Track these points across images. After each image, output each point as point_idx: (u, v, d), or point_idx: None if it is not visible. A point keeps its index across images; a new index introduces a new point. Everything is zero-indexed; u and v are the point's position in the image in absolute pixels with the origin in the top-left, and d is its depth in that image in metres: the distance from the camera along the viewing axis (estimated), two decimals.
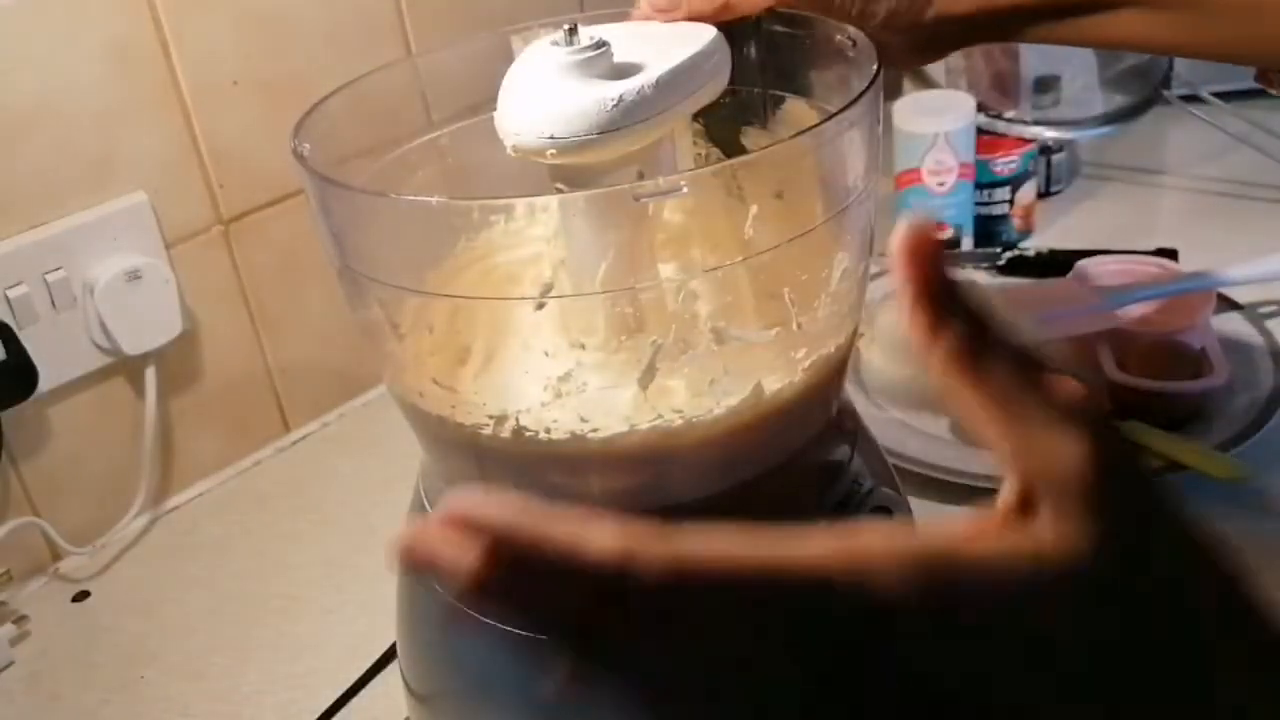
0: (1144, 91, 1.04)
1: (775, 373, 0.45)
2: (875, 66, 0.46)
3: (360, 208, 0.46)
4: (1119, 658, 0.29)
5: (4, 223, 0.71)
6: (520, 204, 0.51)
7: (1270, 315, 0.83)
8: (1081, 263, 0.84)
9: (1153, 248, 0.91)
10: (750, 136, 0.56)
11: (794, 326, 0.45)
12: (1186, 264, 0.87)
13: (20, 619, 0.73)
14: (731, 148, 0.55)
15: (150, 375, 0.78)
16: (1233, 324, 0.82)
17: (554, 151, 0.44)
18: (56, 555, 0.78)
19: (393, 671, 0.64)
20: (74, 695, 0.67)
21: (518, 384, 0.46)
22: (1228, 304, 0.83)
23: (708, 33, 0.48)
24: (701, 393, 0.44)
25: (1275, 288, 0.84)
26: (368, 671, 0.65)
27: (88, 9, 0.71)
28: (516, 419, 0.44)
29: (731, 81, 0.50)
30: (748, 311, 0.46)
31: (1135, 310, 0.79)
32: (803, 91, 0.55)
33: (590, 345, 0.46)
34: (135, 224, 0.76)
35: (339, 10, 0.83)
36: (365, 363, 0.90)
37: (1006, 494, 0.30)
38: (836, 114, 0.43)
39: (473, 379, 0.47)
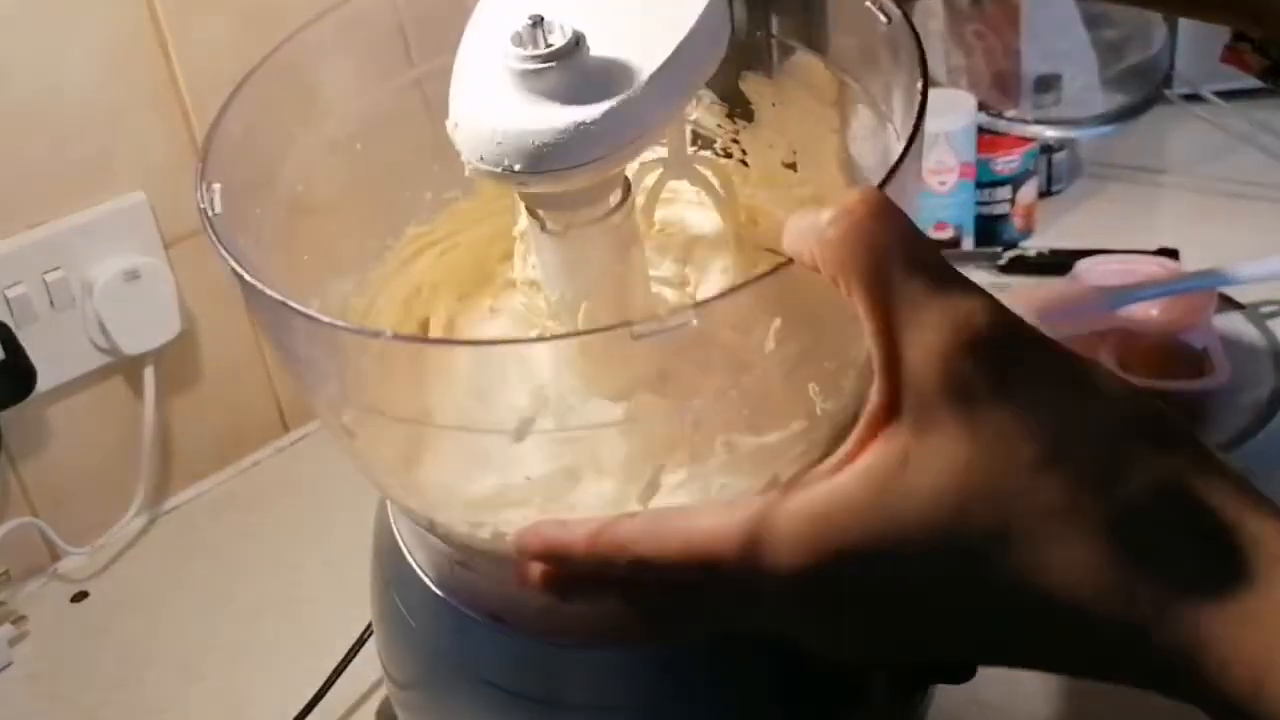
0: (1145, 90, 1.04)
1: (793, 462, 0.39)
2: (920, 74, 0.37)
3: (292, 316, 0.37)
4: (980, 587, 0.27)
5: (3, 222, 0.71)
6: (500, 350, 0.41)
7: (1272, 315, 0.83)
8: (1082, 262, 0.84)
9: (1154, 247, 0.91)
10: (750, 83, 0.48)
11: (816, 412, 0.39)
12: (1188, 264, 0.87)
13: (19, 619, 0.73)
14: (730, 94, 0.49)
15: (149, 375, 0.78)
16: (1234, 324, 0.82)
17: (521, 184, 0.37)
18: (55, 555, 0.77)
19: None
20: (73, 695, 0.67)
21: (494, 494, 0.40)
22: (1229, 304, 0.83)
23: None
24: (709, 494, 0.38)
25: (1277, 287, 0.83)
26: (348, 653, 0.65)
27: (87, 9, 0.71)
28: (496, 526, 0.39)
29: (732, 19, 0.41)
30: (764, 410, 0.40)
31: (1136, 310, 0.78)
32: (820, 47, 0.46)
33: (581, 457, 0.40)
34: (134, 224, 0.76)
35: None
36: None
37: (874, 394, 0.28)
38: (887, 178, 0.33)
39: (436, 482, 0.42)
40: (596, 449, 0.39)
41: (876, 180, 0.33)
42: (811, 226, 0.29)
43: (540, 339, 0.40)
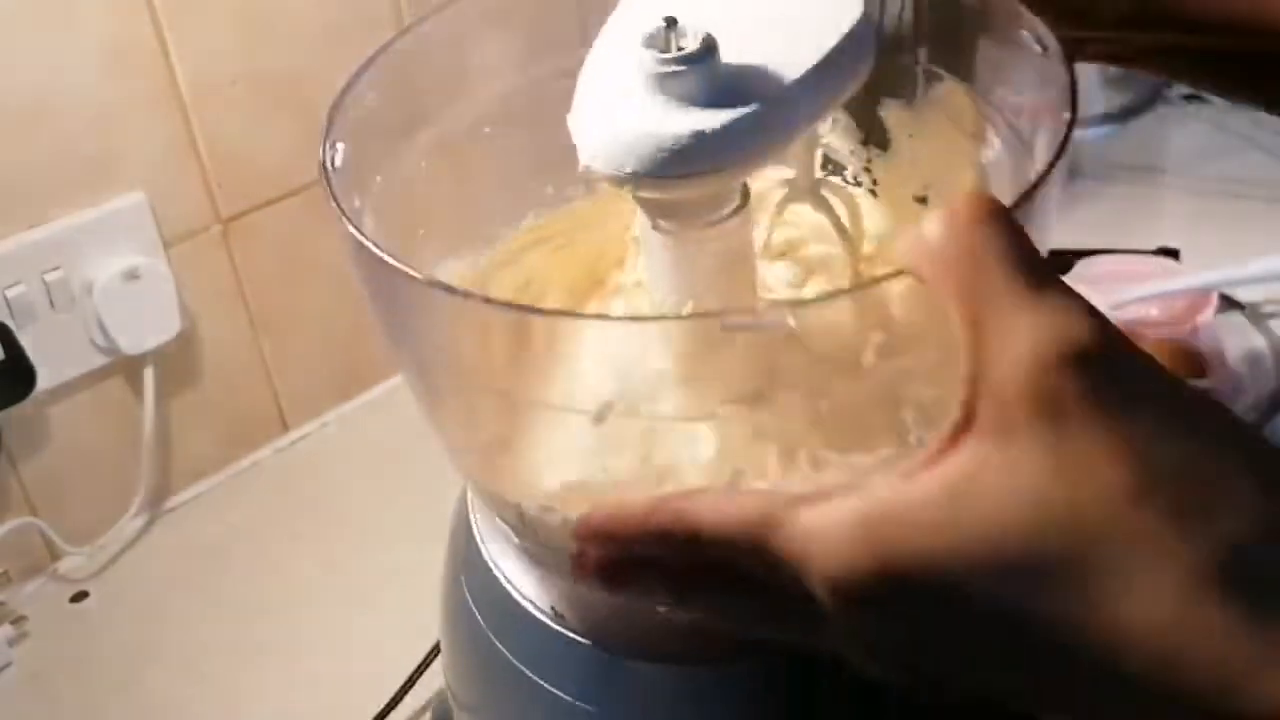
0: (1144, 91, 1.04)
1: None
2: (1070, 101, 0.35)
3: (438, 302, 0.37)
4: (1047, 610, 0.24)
5: (2, 222, 0.71)
6: (590, 326, 0.41)
7: (1273, 315, 0.83)
8: (1082, 262, 0.84)
9: (1154, 247, 0.91)
10: (891, 111, 0.46)
11: (910, 440, 0.37)
12: (1188, 264, 0.86)
13: (19, 619, 0.73)
14: (866, 120, 0.47)
15: (149, 375, 0.78)
16: (1235, 324, 0.82)
17: (635, 188, 0.36)
18: (55, 555, 0.77)
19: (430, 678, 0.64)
20: (73, 695, 0.67)
21: (575, 484, 0.39)
22: (1230, 304, 0.83)
23: (852, 9, 0.37)
24: None
25: (1278, 287, 0.83)
26: (406, 681, 0.64)
27: (86, 8, 0.71)
28: (566, 514, 0.39)
29: (878, 43, 0.40)
30: (854, 429, 0.38)
31: (1136, 310, 0.78)
32: (965, 76, 0.44)
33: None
34: (134, 223, 0.75)
35: (338, 9, 0.82)
36: (365, 363, 0.90)
37: (957, 405, 0.26)
38: (1022, 199, 0.32)
39: (522, 465, 0.41)
40: (677, 447, 0.38)
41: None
42: (918, 233, 0.28)
43: (631, 318, 0.40)
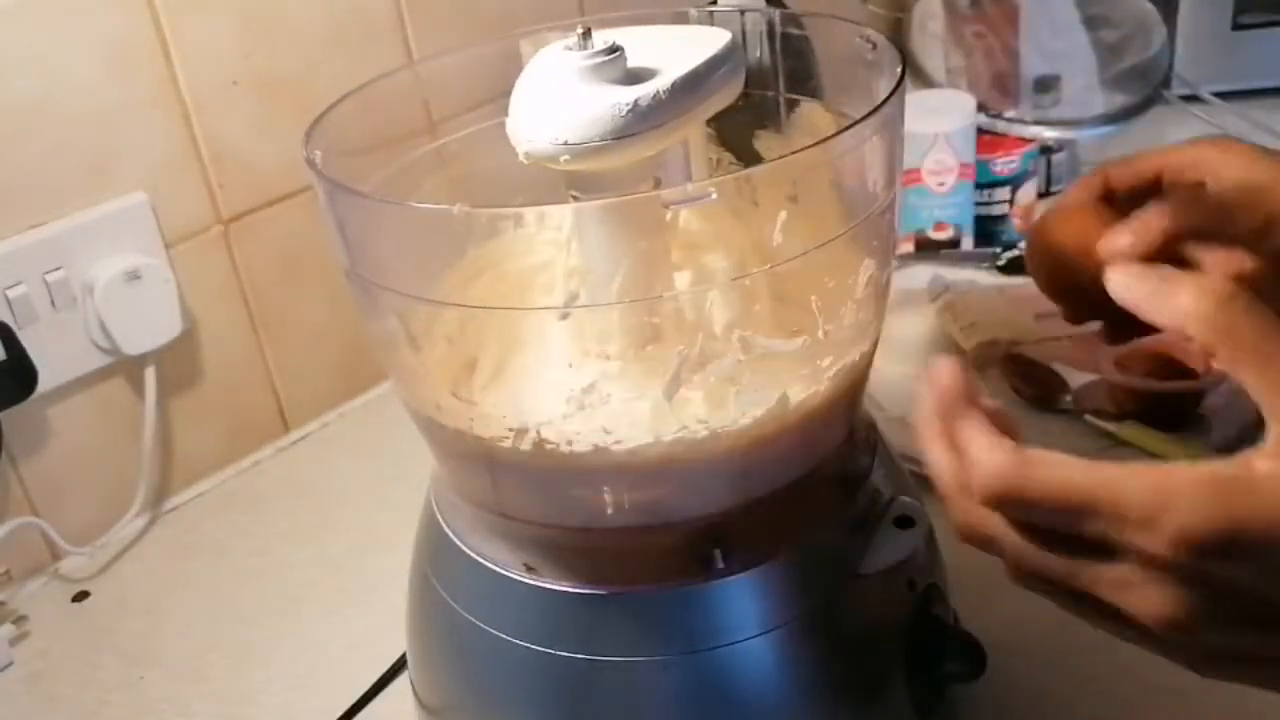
0: (1144, 91, 1.04)
1: (800, 382, 0.45)
2: (899, 69, 0.45)
3: (374, 214, 0.45)
4: None
5: (4, 222, 0.71)
6: (538, 212, 0.50)
7: None
8: None
9: None
10: (763, 140, 0.55)
11: (819, 335, 0.44)
12: None
13: (20, 619, 0.73)
14: (744, 152, 0.54)
15: (150, 375, 0.78)
16: None
17: (567, 158, 0.43)
18: (56, 555, 0.78)
19: (402, 681, 0.64)
20: (74, 695, 0.67)
21: (538, 395, 0.45)
22: None
23: (722, 37, 0.47)
24: (725, 403, 0.43)
25: None
26: (377, 682, 0.65)
27: (88, 9, 0.71)
28: (538, 431, 0.43)
29: (746, 85, 0.48)
30: (768, 320, 0.45)
31: None
32: (818, 94, 0.54)
33: (612, 355, 0.45)
34: (135, 224, 0.76)
35: (339, 10, 0.83)
36: (365, 363, 0.90)
37: (1269, 434, 0.34)
38: (855, 123, 0.42)
39: (484, 390, 0.47)
40: (618, 329, 0.45)
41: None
42: (1193, 311, 0.36)
43: (578, 204, 0.47)
